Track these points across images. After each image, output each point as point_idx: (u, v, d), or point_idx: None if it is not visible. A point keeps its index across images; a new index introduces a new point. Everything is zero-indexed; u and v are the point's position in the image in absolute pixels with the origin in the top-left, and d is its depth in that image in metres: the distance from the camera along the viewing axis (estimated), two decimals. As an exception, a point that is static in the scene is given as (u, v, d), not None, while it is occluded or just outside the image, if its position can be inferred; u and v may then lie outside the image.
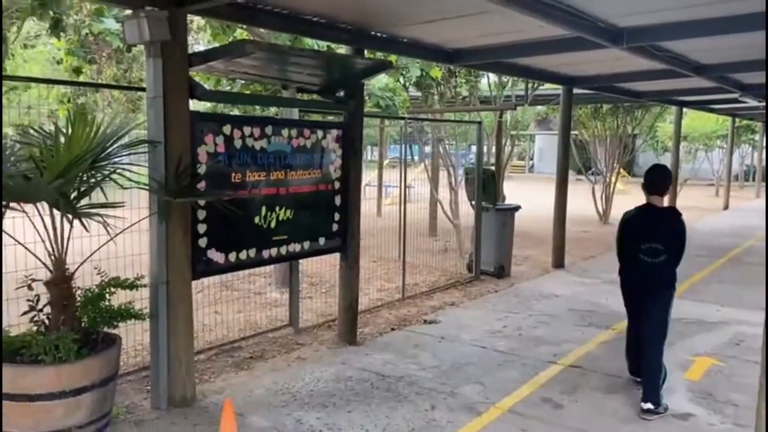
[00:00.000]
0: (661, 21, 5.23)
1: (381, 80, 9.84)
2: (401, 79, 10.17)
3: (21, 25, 6.03)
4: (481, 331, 5.99)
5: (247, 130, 4.62)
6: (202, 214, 4.34)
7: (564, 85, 9.27)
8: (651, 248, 4.32)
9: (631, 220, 4.52)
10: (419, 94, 11.43)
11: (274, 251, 4.93)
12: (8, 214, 3.48)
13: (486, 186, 8.46)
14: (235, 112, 7.67)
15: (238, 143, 4.56)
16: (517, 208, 8.84)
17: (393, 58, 7.41)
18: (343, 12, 4.96)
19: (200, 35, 8.52)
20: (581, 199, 14.27)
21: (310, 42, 6.32)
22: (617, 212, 14.38)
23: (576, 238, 11.44)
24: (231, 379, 4.69)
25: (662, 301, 4.36)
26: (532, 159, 38.56)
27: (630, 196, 11.32)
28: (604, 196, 14.92)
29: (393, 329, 6.07)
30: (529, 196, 14.69)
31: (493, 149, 10.73)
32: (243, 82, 7.37)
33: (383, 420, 4.05)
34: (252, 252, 4.75)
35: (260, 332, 5.76)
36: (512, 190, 13.34)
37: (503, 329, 6.10)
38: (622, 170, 16.97)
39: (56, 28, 5.31)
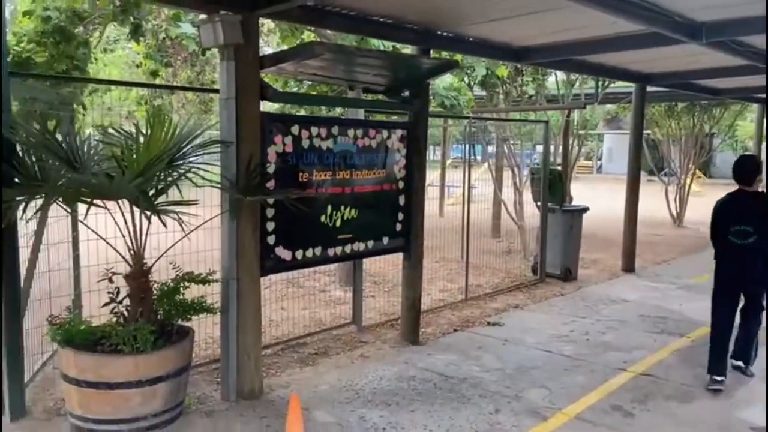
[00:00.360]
0: (741, 15, 4.97)
1: (445, 80, 9.78)
2: (466, 79, 10.09)
3: (103, 30, 6.34)
4: (546, 335, 5.87)
5: (314, 130, 4.70)
6: (270, 213, 4.45)
7: (637, 83, 8.95)
8: (740, 230, 4.53)
9: (722, 204, 4.76)
10: (484, 93, 11.31)
11: (339, 249, 5.00)
12: (91, 210, 3.68)
13: (552, 186, 8.27)
14: (302, 112, 7.83)
15: (305, 143, 4.65)
16: (584, 209, 8.60)
17: (459, 57, 7.37)
18: (410, 12, 4.97)
19: (270, 38, 8.72)
20: (653, 200, 13.74)
21: (376, 43, 6.37)
22: (692, 215, 13.82)
23: (647, 242, 11.03)
24: (296, 374, 4.79)
25: (756, 278, 4.57)
26: (600, 159, 37.42)
27: (706, 198, 10.80)
28: (677, 198, 14.29)
29: (455, 330, 6.03)
30: (597, 197, 14.27)
31: (560, 149, 10.49)
32: (309, 83, 7.51)
33: (446, 421, 4.03)
34: (318, 250, 4.83)
35: (324, 329, 5.85)
36: (579, 191, 13.00)
37: (570, 334, 5.95)
38: (697, 171, 16.21)
39: (136, 32, 5.57)
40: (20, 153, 3.66)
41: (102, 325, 3.85)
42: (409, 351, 5.37)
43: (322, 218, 4.85)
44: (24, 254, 4.02)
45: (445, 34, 5.67)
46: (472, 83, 10.27)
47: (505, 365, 5.06)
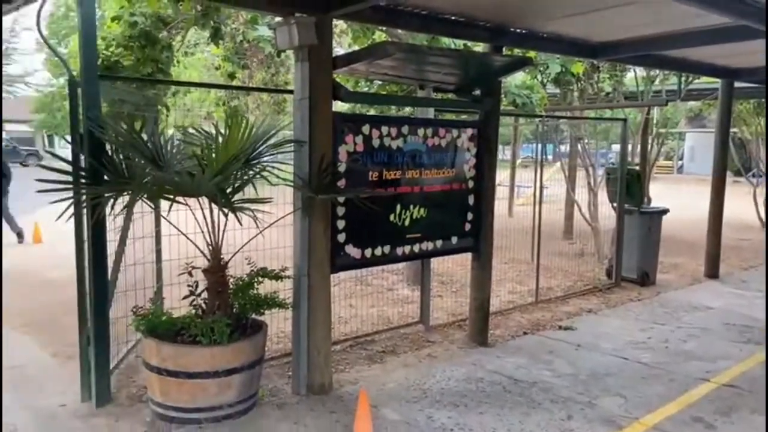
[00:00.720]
0: None
1: (517, 77, 9.61)
2: (539, 76, 9.87)
3: (185, 34, 6.62)
4: (622, 341, 5.66)
5: (384, 129, 4.73)
6: (341, 211, 4.51)
7: (723, 79, 8.47)
8: None
9: None
10: (557, 91, 11.02)
11: (407, 249, 5.01)
12: (173, 207, 3.84)
13: (630, 187, 7.96)
14: (371, 112, 7.89)
15: (375, 142, 4.68)
16: (664, 211, 8.23)
17: (532, 54, 7.21)
18: (482, 10, 4.91)
19: (341, 39, 8.85)
20: (739, 203, 12.97)
21: (446, 41, 6.33)
22: (783, 218, 12.93)
23: (733, 246, 10.44)
24: (364, 371, 4.83)
25: None
26: (681, 159, 35.68)
27: (799, 201, 10.09)
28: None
29: (525, 333, 5.91)
30: (677, 198, 13.62)
31: (638, 148, 10.08)
32: (380, 83, 7.56)
33: (516, 425, 3.96)
34: (386, 248, 4.85)
35: (392, 327, 5.87)
36: (659, 192, 12.45)
37: (647, 341, 5.71)
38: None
39: (215, 36, 5.78)
40: (109, 152, 3.88)
41: (182, 317, 4.02)
42: (478, 352, 5.31)
43: (391, 217, 4.87)
44: (111, 248, 4.24)
45: (518, 30, 5.56)
46: (545, 81, 10.03)
47: (578, 371, 4.92)
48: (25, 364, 4.83)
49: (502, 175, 15.41)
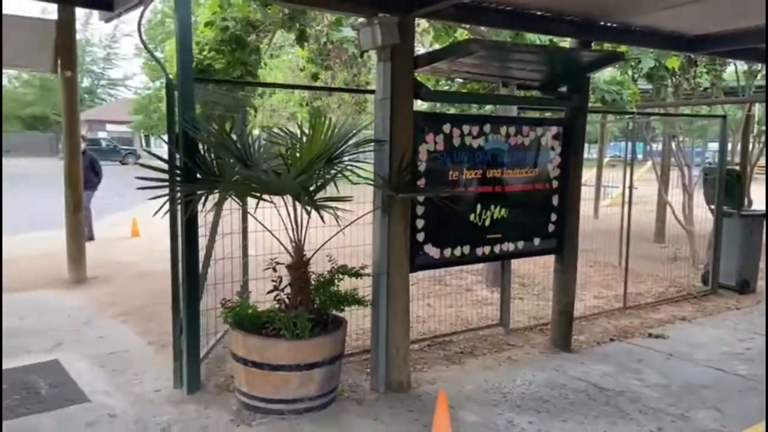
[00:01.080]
0: None
1: (606, 73, 9.25)
2: (630, 71, 9.46)
3: (272, 37, 6.84)
4: (718, 352, 5.32)
5: (465, 128, 4.68)
6: (420, 210, 4.51)
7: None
8: None
9: None
10: (650, 86, 10.51)
11: (487, 249, 4.93)
12: (259, 204, 3.98)
13: (729, 188, 7.48)
14: (452, 111, 7.83)
15: (456, 141, 4.64)
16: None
17: (623, 48, 6.91)
18: (570, 4, 4.75)
19: (423, 38, 8.84)
20: None
21: (531, 37, 6.19)
22: None
23: None
24: (442, 371, 4.81)
25: None
26: (786, 158, 33.09)
27: None
28: None
29: (612, 340, 5.68)
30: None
31: (739, 147, 9.45)
32: (461, 81, 7.50)
33: (600, 434, 3.82)
34: (466, 249, 4.80)
35: (471, 329, 5.81)
36: (760, 194, 11.61)
37: (746, 352, 5.34)
38: None
39: (301, 38, 5.94)
40: (202, 151, 4.07)
41: (266, 311, 4.15)
42: (560, 358, 5.16)
43: (471, 217, 4.81)
44: (202, 243, 4.44)
45: (608, 24, 5.34)
46: (636, 76, 9.59)
47: (670, 381, 4.67)
48: (124, 350, 5.15)
49: (587, 175, 14.92)
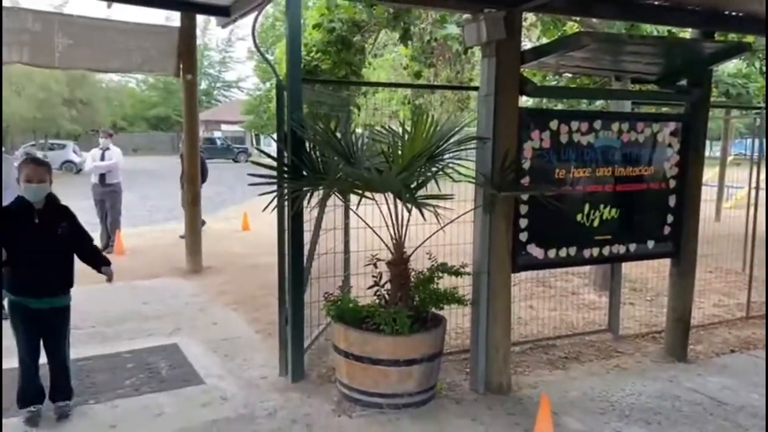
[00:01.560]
0: None
1: (730, 65, 8.56)
2: (757, 63, 8.70)
3: (376, 36, 6.94)
4: None
5: (574, 125, 4.51)
6: (524, 209, 4.40)
7: None
8: None
9: None
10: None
11: (595, 251, 4.73)
12: (361, 201, 4.05)
13: None
14: (559, 106, 7.58)
15: (563, 138, 4.48)
16: None
17: (749, 39, 6.37)
18: (691, -8, 4.45)
19: (530, 32, 8.62)
20: None
21: (648, 28, 5.85)
22: None
23: None
24: (545, 375, 4.67)
25: None
26: None
27: None
28: None
29: (733, 351, 5.26)
30: None
31: None
32: (569, 76, 7.23)
33: (718, 453, 3.55)
34: (572, 250, 4.63)
35: (576, 333, 5.60)
36: None
37: None
38: None
39: (405, 36, 5.98)
40: (308, 149, 4.21)
41: (367, 306, 4.23)
42: (674, 368, 4.85)
43: (579, 217, 4.63)
44: (307, 237, 4.59)
45: (734, 13, 4.94)
46: (765, 68, 8.80)
47: (798, 400, 4.26)
48: (235, 337, 5.44)
49: (708, 174, 13.89)
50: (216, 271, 8.00)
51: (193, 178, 8.18)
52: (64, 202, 3.88)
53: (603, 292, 6.38)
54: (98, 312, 5.92)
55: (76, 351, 4.28)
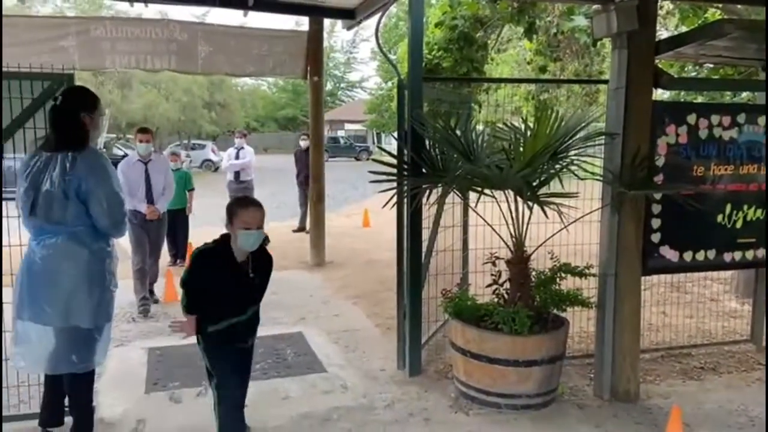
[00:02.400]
0: None
1: None
2: None
3: (499, 32, 6.85)
4: None
5: (714, 119, 4.19)
6: (656, 209, 4.15)
7: None
8: None
9: None
10: None
11: (737, 255, 4.36)
12: (481, 199, 4.03)
13: None
14: (699, 99, 7.04)
15: (703, 133, 4.18)
16: None
17: None
18: None
19: (667, 21, 8.08)
20: None
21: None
22: None
23: None
24: (678, 386, 4.38)
25: None
26: None
27: None
28: None
29: None
30: None
31: None
32: (711, 66, 6.70)
33: None
34: (711, 253, 4.30)
35: (713, 343, 5.19)
36: None
37: None
38: None
39: (530, 31, 5.85)
40: (428, 147, 4.26)
41: (485, 304, 4.20)
42: (830, 387, 4.35)
43: (719, 218, 4.29)
44: (425, 234, 4.65)
45: None
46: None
47: None
48: (355, 329, 5.63)
49: None
50: (338, 266, 8.31)
51: (318, 176, 8.54)
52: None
53: (747, 299, 5.84)
54: (232, 300, 6.38)
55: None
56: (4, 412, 3.72)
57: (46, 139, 3.24)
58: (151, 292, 6.43)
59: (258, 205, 3.11)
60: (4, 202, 3.65)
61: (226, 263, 3.08)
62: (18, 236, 3.38)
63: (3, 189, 3.50)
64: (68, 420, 3.42)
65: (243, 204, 3.09)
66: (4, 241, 3.45)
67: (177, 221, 7.76)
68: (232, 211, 3.05)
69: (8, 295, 3.34)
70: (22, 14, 9.99)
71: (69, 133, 3.15)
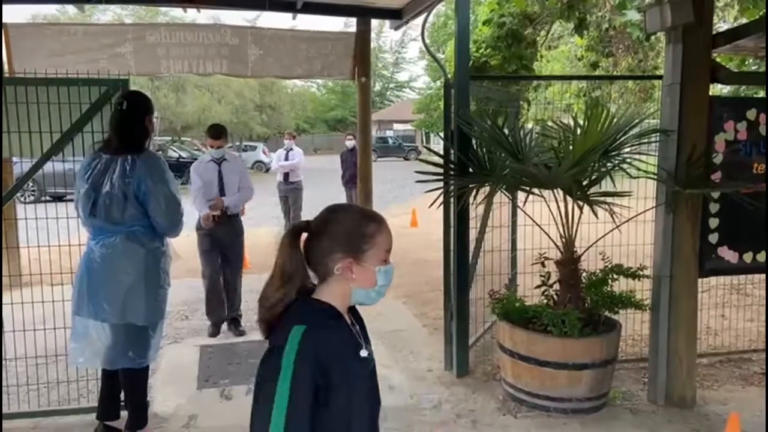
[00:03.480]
0: None
1: None
2: None
3: (549, 28, 6.72)
4: None
5: (776, 114, 4.00)
6: (714, 208, 4.00)
7: None
8: None
9: None
10: None
11: (802, 256, 4.14)
12: (529, 198, 3.97)
13: None
14: (761, 94, 6.72)
15: (763, 130, 4.01)
16: None
17: None
18: None
19: (726, 12, 7.75)
20: None
21: None
22: None
23: None
24: (737, 392, 4.20)
25: None
26: None
27: None
28: None
29: None
30: None
31: None
32: (775, 57, 6.38)
33: None
34: (773, 254, 4.11)
35: (777, 348, 4.95)
36: None
37: None
38: None
39: (581, 27, 5.72)
40: (475, 146, 4.22)
41: (534, 305, 4.14)
42: None
43: (782, 217, 4.09)
44: (472, 234, 4.61)
45: None
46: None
47: None
48: (402, 329, 5.63)
49: None
50: (386, 265, 8.31)
51: (366, 176, 8.58)
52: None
53: (814, 303, 5.55)
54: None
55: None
56: (63, 406, 3.91)
57: (106, 141, 3.37)
58: (235, 321, 5.44)
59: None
60: (64, 203, 3.82)
61: (347, 343, 1.56)
62: (78, 236, 3.53)
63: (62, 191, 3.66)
64: (124, 414, 3.55)
65: (377, 220, 1.61)
66: (63, 241, 3.61)
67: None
68: (362, 232, 1.54)
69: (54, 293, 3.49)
70: (82, 22, 10.41)
71: (133, 136, 3.28)
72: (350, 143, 10.76)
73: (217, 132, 5.33)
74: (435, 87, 37.39)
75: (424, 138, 46.62)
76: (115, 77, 3.66)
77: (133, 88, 3.75)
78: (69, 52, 6.88)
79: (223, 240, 5.28)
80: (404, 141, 43.87)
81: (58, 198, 5.40)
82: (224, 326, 5.45)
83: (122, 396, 3.55)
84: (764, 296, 6.29)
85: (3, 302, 3.46)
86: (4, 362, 3.61)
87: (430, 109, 38.36)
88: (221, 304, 5.39)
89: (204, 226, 5.21)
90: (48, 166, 3.73)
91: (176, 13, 21.57)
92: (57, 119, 3.55)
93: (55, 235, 3.81)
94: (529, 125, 5.31)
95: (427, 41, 5.06)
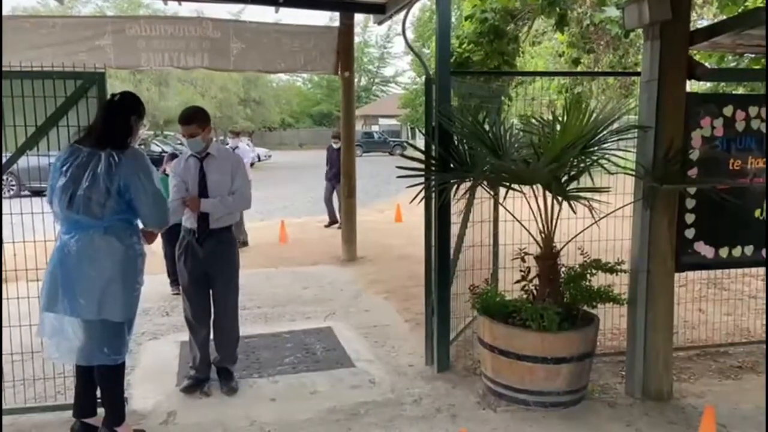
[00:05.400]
0: None
1: None
2: None
3: (531, 24, 6.75)
4: None
5: (752, 110, 4.05)
6: (690, 203, 4.05)
7: None
8: None
9: None
10: None
11: (777, 251, 4.21)
12: (509, 194, 3.99)
13: None
14: (739, 91, 6.81)
15: (740, 126, 4.05)
16: None
17: None
18: None
19: (704, 10, 7.83)
20: None
21: None
22: None
23: None
24: (714, 385, 4.26)
25: None
26: None
27: None
28: None
29: None
30: None
31: None
32: (752, 56, 6.47)
33: None
34: (748, 249, 4.18)
35: (752, 341, 5.02)
36: None
37: None
38: None
39: (561, 23, 5.74)
40: (456, 142, 4.23)
41: (513, 300, 4.16)
42: None
43: (757, 213, 4.15)
44: (454, 230, 4.62)
45: None
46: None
47: None
48: (384, 324, 5.64)
49: None
50: (369, 261, 8.33)
51: (349, 171, 8.56)
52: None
53: (789, 297, 5.65)
54: (265, 294, 6.51)
55: (244, 329, 4.72)
56: (41, 403, 3.87)
57: (87, 130, 3.32)
58: (225, 373, 4.22)
59: None
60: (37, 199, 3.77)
61: None
62: (55, 232, 3.48)
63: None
64: (101, 410, 3.52)
65: None
66: (42, 237, 3.56)
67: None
68: None
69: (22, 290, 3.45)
70: (62, 14, 10.26)
71: (116, 130, 3.24)
72: (336, 145, 10.73)
73: (187, 117, 3.97)
74: (420, 82, 37.38)
75: (409, 133, 46.65)
76: (91, 70, 3.62)
77: (114, 81, 3.71)
78: (48, 44, 6.78)
79: (205, 262, 4.02)
80: (390, 136, 43.85)
81: (38, 193, 5.32)
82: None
83: (98, 393, 3.51)
84: (740, 290, 6.40)
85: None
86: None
87: (415, 104, 38.36)
88: (209, 363, 4.23)
89: (173, 218, 3.82)
90: (30, 161, 3.68)
91: (159, 5, 21.35)
92: (32, 113, 3.50)
93: (34, 231, 3.76)
94: (512, 121, 5.33)
95: (413, 36, 5.05)
